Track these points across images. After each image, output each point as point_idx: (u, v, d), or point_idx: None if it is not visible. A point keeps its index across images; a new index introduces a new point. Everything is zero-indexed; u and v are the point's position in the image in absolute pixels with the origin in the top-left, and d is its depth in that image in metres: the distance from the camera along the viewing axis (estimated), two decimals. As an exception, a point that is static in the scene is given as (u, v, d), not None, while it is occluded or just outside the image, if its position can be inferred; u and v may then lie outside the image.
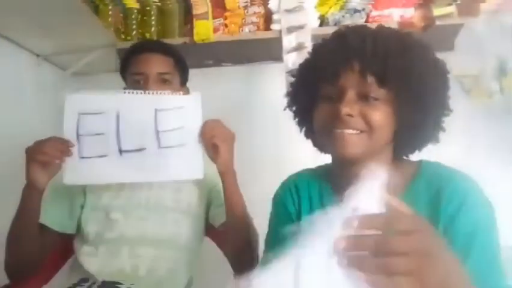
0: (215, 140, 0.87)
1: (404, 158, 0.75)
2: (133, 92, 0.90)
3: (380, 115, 0.64)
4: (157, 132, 0.88)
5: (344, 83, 0.64)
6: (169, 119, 0.89)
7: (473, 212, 0.65)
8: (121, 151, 0.87)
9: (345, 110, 0.63)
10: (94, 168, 0.87)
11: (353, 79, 0.64)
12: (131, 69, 1.03)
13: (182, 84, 1.10)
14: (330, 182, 0.77)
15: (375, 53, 0.62)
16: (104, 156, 0.87)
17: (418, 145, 0.71)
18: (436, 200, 0.66)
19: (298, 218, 0.78)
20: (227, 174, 0.91)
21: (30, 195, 0.85)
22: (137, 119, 0.88)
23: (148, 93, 0.90)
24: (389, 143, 0.69)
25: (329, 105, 0.67)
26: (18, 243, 0.90)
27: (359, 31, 0.67)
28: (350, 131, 0.65)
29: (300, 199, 0.79)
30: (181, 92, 0.96)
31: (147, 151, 0.88)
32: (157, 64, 1.02)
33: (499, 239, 0.66)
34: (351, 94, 0.64)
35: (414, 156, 0.76)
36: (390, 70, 0.61)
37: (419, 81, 0.62)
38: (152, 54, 1.03)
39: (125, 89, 1.07)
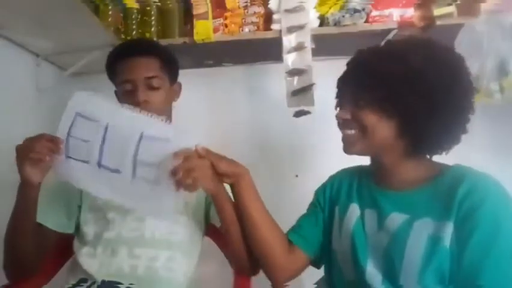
0: (193, 181, 0.78)
1: (435, 161, 0.82)
2: (130, 108, 0.87)
3: (369, 115, 0.77)
4: (135, 160, 0.84)
5: (340, 97, 0.86)
6: (151, 151, 0.83)
7: (493, 212, 0.66)
8: (99, 164, 0.85)
9: (338, 114, 0.83)
10: (75, 170, 0.85)
11: (345, 93, 0.84)
12: (118, 77, 1.03)
13: (172, 82, 1.09)
14: (370, 175, 0.89)
15: (354, 71, 0.82)
16: (86, 162, 0.85)
17: (429, 143, 0.78)
18: (451, 195, 0.70)
19: (332, 206, 0.92)
20: (216, 196, 0.87)
21: (25, 193, 0.85)
22: (122, 138, 0.85)
23: (147, 114, 0.85)
24: (393, 142, 0.78)
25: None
26: (15, 242, 0.90)
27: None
28: (347, 132, 0.81)
29: (340, 190, 0.92)
30: (168, 121, 0.87)
31: (122, 175, 0.84)
32: (143, 69, 1.01)
33: None
34: (344, 105, 0.82)
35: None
36: (364, 81, 0.77)
37: (387, 83, 0.74)
38: (137, 58, 1.02)
39: (115, 92, 1.07)
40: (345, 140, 0.83)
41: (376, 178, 0.86)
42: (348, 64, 0.85)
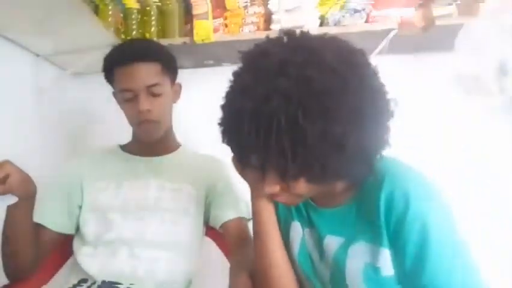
0: None
1: None
2: None
3: (301, 186, 0.63)
4: None
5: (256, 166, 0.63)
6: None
7: (418, 219, 0.59)
8: None
9: (267, 190, 0.66)
10: None
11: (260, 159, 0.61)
12: (118, 83, 1.01)
13: (172, 83, 1.08)
14: None
15: (268, 150, 0.57)
16: None
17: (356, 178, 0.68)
18: (374, 208, 0.64)
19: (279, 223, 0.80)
20: None
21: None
22: None
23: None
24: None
25: (256, 174, 0.66)
26: (9, 248, 0.90)
27: (252, 111, 0.59)
28: (279, 199, 0.69)
29: (277, 207, 0.79)
30: None
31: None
32: (144, 76, 0.97)
33: (465, 245, 0.60)
34: (268, 176, 0.64)
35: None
36: (289, 169, 0.58)
37: (315, 159, 0.57)
38: (137, 64, 0.98)
39: (114, 94, 1.06)
40: (283, 201, 0.71)
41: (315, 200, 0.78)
42: (242, 131, 0.60)
